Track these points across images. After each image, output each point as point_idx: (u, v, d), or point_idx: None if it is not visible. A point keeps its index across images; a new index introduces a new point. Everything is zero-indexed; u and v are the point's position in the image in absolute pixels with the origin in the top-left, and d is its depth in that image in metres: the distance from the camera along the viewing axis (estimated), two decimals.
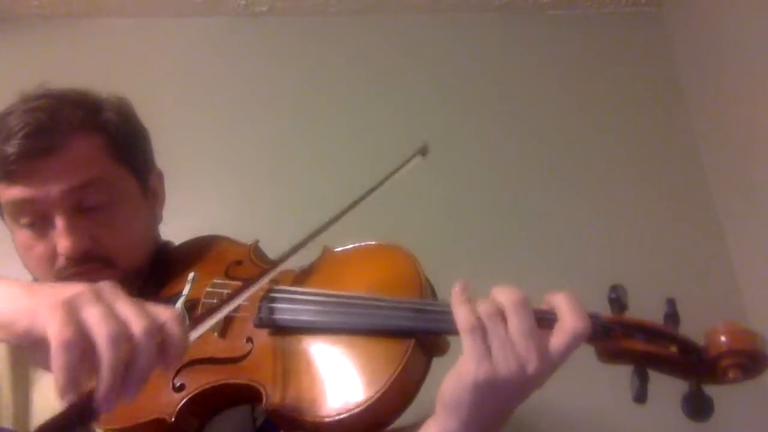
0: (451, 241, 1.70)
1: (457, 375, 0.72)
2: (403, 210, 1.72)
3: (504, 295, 0.72)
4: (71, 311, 0.60)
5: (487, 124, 1.85)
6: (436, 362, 0.82)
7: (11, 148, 0.88)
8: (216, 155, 1.78)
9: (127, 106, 1.02)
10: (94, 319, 0.60)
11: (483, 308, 0.71)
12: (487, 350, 0.70)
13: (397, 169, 0.93)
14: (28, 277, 1.04)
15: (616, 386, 0.77)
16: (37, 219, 0.91)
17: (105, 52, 1.88)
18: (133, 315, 0.62)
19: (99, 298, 0.63)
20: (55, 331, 0.59)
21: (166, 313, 0.65)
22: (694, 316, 0.76)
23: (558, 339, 0.70)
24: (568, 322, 0.70)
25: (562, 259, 1.68)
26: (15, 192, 0.90)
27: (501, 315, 0.71)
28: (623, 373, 0.74)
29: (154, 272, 0.99)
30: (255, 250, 0.99)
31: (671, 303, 0.75)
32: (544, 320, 0.72)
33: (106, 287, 0.65)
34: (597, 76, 1.91)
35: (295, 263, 0.91)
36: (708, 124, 1.81)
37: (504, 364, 0.70)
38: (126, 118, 1.01)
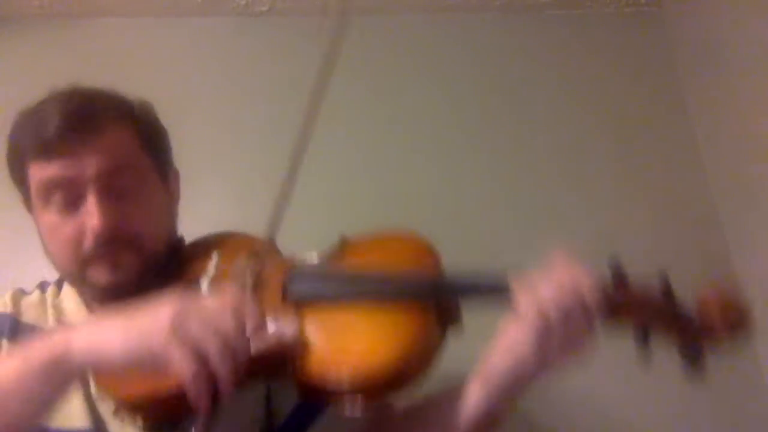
0: (449, 236, 1.70)
1: (510, 359, 0.79)
2: (403, 211, 1.73)
3: (575, 286, 0.77)
4: (182, 340, 0.72)
5: (487, 124, 1.85)
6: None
7: (51, 127, 0.93)
8: (216, 155, 1.78)
9: (150, 107, 1.07)
10: (201, 336, 0.73)
11: (553, 303, 0.76)
12: (549, 343, 0.76)
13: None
14: (39, 279, 1.05)
15: (614, 370, 0.81)
16: (69, 199, 0.94)
17: (105, 52, 1.87)
18: (220, 318, 0.75)
19: (193, 313, 0.75)
20: (180, 367, 0.72)
21: (232, 299, 0.79)
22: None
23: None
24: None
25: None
26: (51, 170, 0.94)
27: (571, 311, 0.76)
28: (622, 357, 0.80)
29: (172, 260, 1.02)
30: (271, 245, 1.02)
31: (663, 273, 0.82)
32: None
33: (187, 300, 0.77)
34: (597, 76, 1.90)
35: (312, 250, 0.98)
36: (708, 124, 1.81)
37: (561, 353, 0.77)
38: (150, 116, 1.06)
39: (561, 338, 0.76)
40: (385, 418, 0.94)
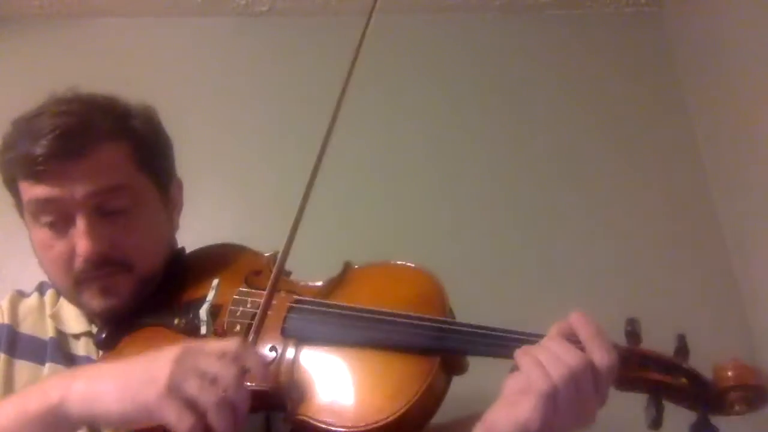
0: (448, 235, 1.71)
1: (515, 422, 0.72)
2: (403, 209, 1.73)
3: (589, 354, 0.73)
4: (178, 396, 0.69)
5: (487, 124, 1.85)
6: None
7: (40, 149, 0.89)
8: (215, 154, 1.78)
9: (153, 114, 1.03)
10: (197, 393, 0.70)
11: (559, 372, 0.71)
12: (556, 409, 0.71)
13: None
14: (37, 278, 1.04)
15: (629, 410, 0.79)
16: (59, 219, 0.92)
17: (105, 52, 1.88)
18: (219, 369, 0.71)
19: (190, 367, 0.71)
20: (176, 423, 0.69)
21: (233, 346, 0.75)
22: (702, 343, 0.81)
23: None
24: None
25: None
26: (39, 191, 0.91)
27: (579, 378, 0.71)
28: (637, 397, 0.77)
29: (170, 277, 1.00)
30: (275, 262, 0.98)
31: (681, 338, 0.79)
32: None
33: (186, 352, 0.73)
34: (597, 76, 1.91)
35: (315, 276, 0.95)
36: (708, 124, 1.81)
37: (567, 418, 0.72)
38: (152, 126, 1.02)
39: (567, 406, 0.71)
40: None
